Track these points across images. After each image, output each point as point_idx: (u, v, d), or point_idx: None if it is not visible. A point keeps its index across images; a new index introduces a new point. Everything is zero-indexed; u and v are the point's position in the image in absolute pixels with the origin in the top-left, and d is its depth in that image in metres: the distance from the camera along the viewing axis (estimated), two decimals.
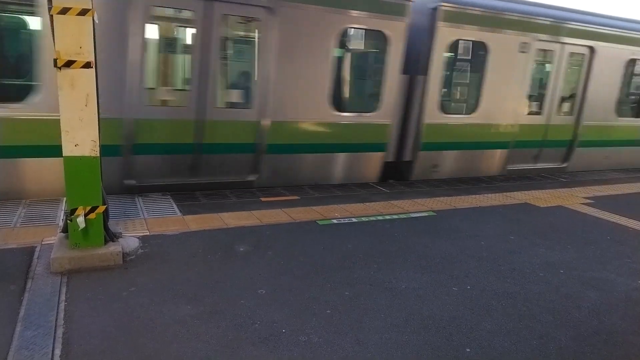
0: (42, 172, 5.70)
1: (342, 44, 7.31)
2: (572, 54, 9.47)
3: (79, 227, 4.06)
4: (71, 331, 3.20)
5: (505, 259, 5.01)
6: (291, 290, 3.99)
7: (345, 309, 3.74)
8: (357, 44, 8.04)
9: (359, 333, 3.42)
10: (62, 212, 5.29)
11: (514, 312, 3.88)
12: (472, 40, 8.39)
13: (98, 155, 4.06)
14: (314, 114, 7.19)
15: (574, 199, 7.70)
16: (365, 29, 7.57)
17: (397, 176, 8.54)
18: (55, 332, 3.17)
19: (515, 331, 3.60)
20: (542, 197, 7.62)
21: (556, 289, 4.37)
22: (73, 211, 4.06)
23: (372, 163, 8.01)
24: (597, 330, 3.71)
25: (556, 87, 9.53)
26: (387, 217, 6.07)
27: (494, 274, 4.60)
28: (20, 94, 5.55)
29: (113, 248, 4.24)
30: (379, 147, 7.95)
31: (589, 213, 6.93)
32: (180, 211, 5.68)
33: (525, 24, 8.57)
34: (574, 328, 3.71)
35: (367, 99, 8.04)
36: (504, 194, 7.71)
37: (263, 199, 6.45)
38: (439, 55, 7.93)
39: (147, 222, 5.23)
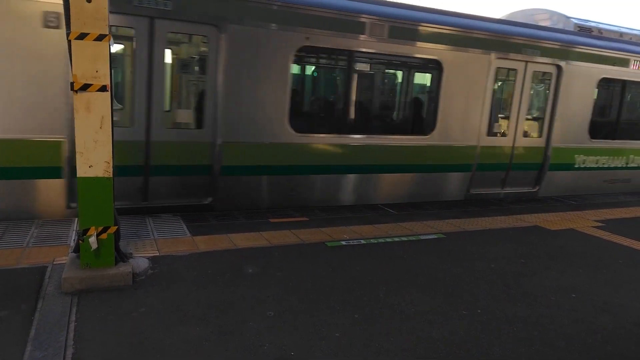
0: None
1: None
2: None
3: (91, 247, 4.10)
4: (81, 352, 3.21)
5: (515, 282, 4.96)
6: (300, 312, 3.98)
7: (354, 332, 3.72)
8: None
9: (369, 357, 3.39)
10: (74, 232, 5.35)
11: (526, 337, 3.83)
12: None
13: (111, 176, 4.13)
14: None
15: (585, 222, 7.64)
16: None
17: None
18: (65, 353, 3.18)
19: (527, 356, 3.55)
20: (553, 220, 7.57)
21: (568, 314, 4.31)
22: (85, 231, 4.11)
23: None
24: (611, 356, 3.65)
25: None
26: (396, 239, 6.05)
27: (505, 298, 4.55)
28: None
29: (123, 268, 4.27)
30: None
31: (600, 236, 6.87)
32: (190, 232, 5.71)
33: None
34: (587, 353, 3.65)
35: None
36: (514, 216, 7.67)
37: (272, 220, 6.47)
38: None
39: (157, 243, 5.26)
